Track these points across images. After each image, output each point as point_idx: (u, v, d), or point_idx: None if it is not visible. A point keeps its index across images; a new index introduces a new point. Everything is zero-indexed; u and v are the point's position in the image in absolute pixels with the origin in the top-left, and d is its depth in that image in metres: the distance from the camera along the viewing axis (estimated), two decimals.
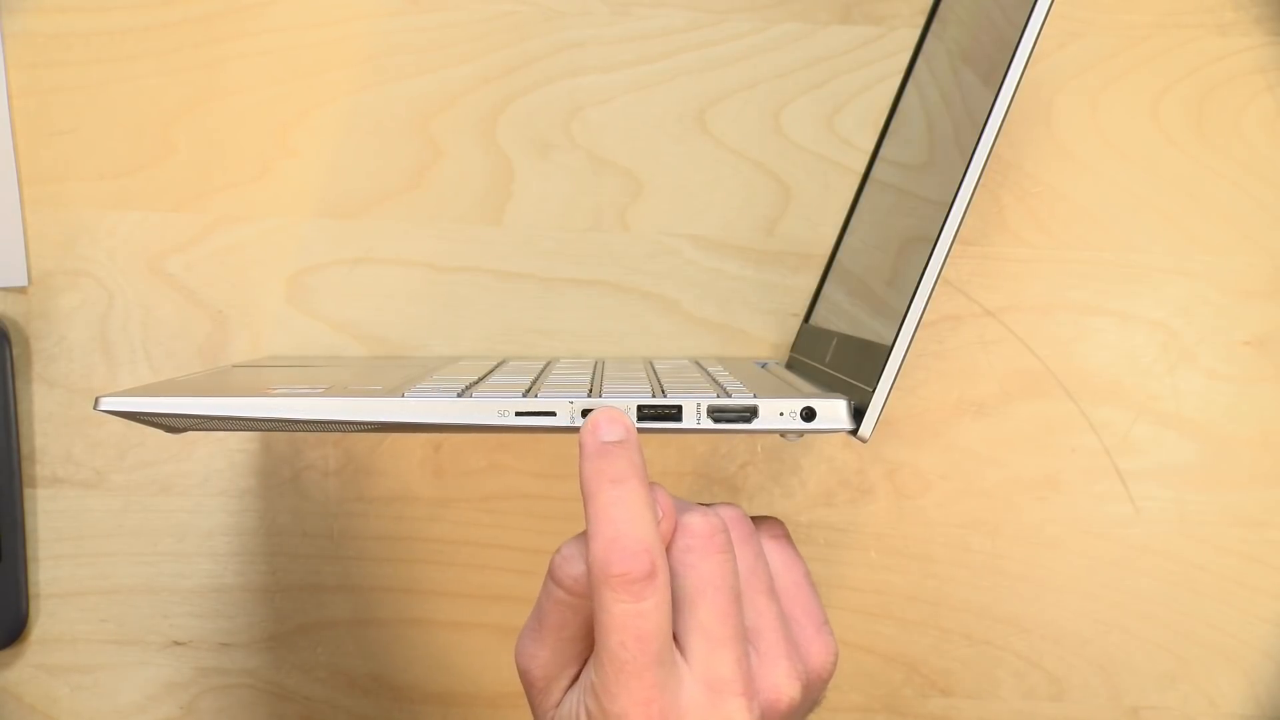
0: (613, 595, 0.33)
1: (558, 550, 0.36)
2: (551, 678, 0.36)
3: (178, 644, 0.55)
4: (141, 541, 0.55)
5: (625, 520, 0.33)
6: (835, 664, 0.38)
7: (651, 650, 0.33)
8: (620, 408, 0.37)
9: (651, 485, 0.35)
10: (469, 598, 0.55)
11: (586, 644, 0.36)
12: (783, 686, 0.35)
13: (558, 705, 0.36)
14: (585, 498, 0.34)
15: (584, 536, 0.34)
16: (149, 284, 0.54)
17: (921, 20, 0.54)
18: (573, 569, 0.35)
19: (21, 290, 0.54)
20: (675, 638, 0.34)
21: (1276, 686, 0.56)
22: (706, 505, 0.37)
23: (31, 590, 0.55)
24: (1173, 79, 0.55)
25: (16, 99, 0.54)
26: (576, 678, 0.36)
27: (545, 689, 0.36)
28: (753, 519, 0.38)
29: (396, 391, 0.38)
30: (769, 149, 0.55)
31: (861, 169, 0.55)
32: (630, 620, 0.32)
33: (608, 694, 0.33)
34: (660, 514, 0.34)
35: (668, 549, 0.35)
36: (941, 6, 0.52)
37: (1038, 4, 0.35)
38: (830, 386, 0.41)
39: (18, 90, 0.54)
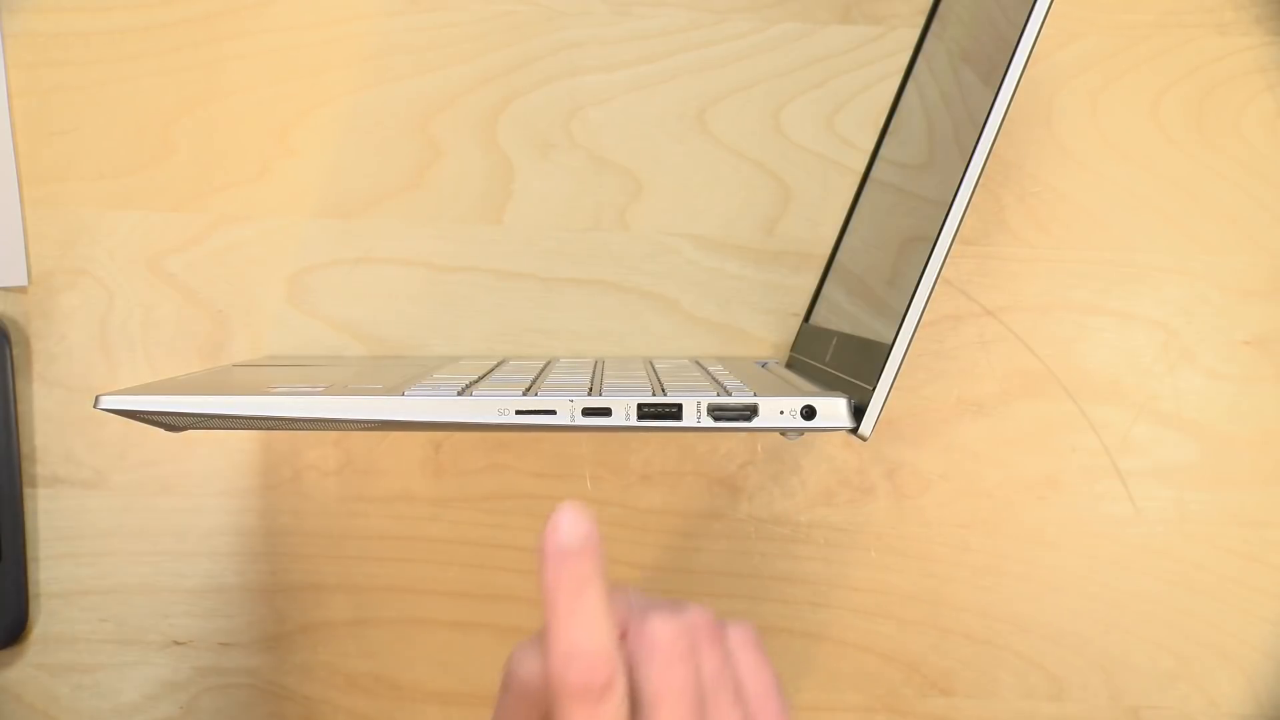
0: (570, 704, 0.32)
1: (512, 654, 0.35)
2: None
3: (178, 644, 0.55)
4: (141, 541, 0.55)
5: (583, 630, 0.33)
6: None
7: None
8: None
9: (618, 588, 0.35)
10: (469, 598, 0.55)
11: None
12: None
13: None
14: (544, 604, 0.34)
15: (539, 639, 0.34)
16: (149, 284, 0.54)
17: (921, 20, 0.54)
18: (526, 671, 0.35)
19: (21, 290, 0.54)
20: None
21: (1276, 686, 0.56)
22: (676, 604, 0.36)
23: (31, 590, 0.55)
24: (1173, 79, 0.55)
25: (16, 99, 0.54)
26: None
27: None
28: (723, 621, 0.37)
29: (397, 390, 0.38)
30: (769, 149, 0.55)
31: (861, 169, 0.55)
32: None
33: None
34: (622, 618, 0.34)
35: (630, 654, 0.34)
36: (941, 6, 0.52)
37: (1038, 4, 0.35)
38: (830, 385, 0.41)
39: (18, 90, 0.54)
